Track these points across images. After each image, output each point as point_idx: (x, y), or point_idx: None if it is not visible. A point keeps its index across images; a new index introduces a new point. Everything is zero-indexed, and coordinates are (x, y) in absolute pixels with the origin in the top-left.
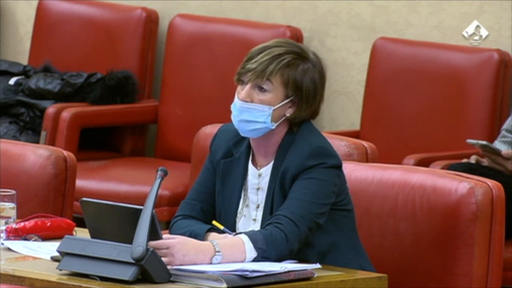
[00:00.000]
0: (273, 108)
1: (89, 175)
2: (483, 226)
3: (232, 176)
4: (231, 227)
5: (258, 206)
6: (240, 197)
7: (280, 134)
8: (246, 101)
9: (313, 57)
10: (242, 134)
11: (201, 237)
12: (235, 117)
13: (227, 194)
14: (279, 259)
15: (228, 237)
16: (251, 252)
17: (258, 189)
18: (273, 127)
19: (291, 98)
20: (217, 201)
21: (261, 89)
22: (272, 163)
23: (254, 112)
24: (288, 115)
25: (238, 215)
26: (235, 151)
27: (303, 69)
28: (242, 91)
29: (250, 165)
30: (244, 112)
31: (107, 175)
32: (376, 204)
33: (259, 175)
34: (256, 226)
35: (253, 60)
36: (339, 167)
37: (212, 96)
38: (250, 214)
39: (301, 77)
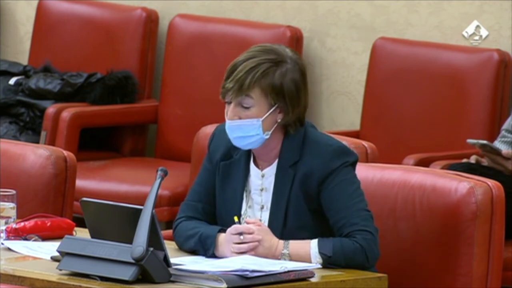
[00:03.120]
0: (262, 119)
1: (89, 175)
2: (483, 226)
3: (232, 178)
4: None
5: (262, 207)
6: (242, 199)
7: (278, 138)
8: (234, 119)
9: (291, 55)
10: (242, 148)
11: (212, 238)
12: (229, 135)
13: (228, 196)
14: (358, 268)
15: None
16: (316, 257)
17: (262, 189)
18: (268, 136)
19: (276, 105)
20: (218, 202)
21: (243, 106)
22: (275, 163)
23: (244, 127)
24: (279, 120)
25: (242, 216)
26: (235, 153)
27: (281, 73)
28: (228, 111)
29: (252, 166)
30: (235, 130)
31: (107, 175)
32: (376, 204)
33: (262, 176)
34: None
35: (230, 79)
36: (356, 162)
37: (212, 96)
38: (255, 215)
39: (279, 82)
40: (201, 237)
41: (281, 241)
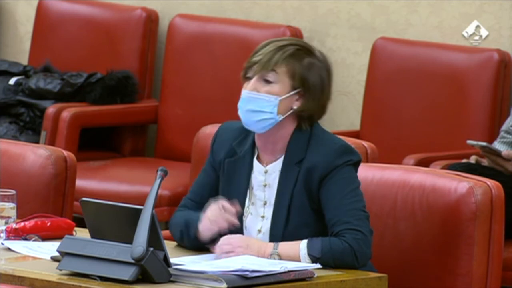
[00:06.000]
0: (280, 98)
1: (89, 175)
2: (482, 226)
3: (237, 175)
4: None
5: (265, 203)
6: (245, 195)
7: (288, 129)
8: (252, 92)
9: (319, 54)
10: (248, 127)
11: (196, 222)
12: (241, 109)
13: (232, 193)
14: (348, 267)
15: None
16: (305, 258)
17: (265, 185)
18: (280, 119)
19: (298, 90)
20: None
21: (267, 81)
22: (281, 159)
23: (260, 101)
24: (295, 107)
25: (244, 213)
26: (239, 150)
27: (309, 62)
28: (248, 84)
29: (256, 162)
30: (250, 101)
31: (107, 175)
32: (375, 204)
33: (266, 172)
34: (265, 223)
35: (258, 53)
36: (359, 162)
37: (212, 96)
38: (257, 211)
39: (307, 69)
40: (187, 223)
41: (270, 243)
